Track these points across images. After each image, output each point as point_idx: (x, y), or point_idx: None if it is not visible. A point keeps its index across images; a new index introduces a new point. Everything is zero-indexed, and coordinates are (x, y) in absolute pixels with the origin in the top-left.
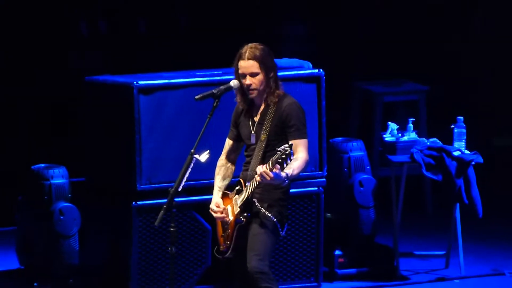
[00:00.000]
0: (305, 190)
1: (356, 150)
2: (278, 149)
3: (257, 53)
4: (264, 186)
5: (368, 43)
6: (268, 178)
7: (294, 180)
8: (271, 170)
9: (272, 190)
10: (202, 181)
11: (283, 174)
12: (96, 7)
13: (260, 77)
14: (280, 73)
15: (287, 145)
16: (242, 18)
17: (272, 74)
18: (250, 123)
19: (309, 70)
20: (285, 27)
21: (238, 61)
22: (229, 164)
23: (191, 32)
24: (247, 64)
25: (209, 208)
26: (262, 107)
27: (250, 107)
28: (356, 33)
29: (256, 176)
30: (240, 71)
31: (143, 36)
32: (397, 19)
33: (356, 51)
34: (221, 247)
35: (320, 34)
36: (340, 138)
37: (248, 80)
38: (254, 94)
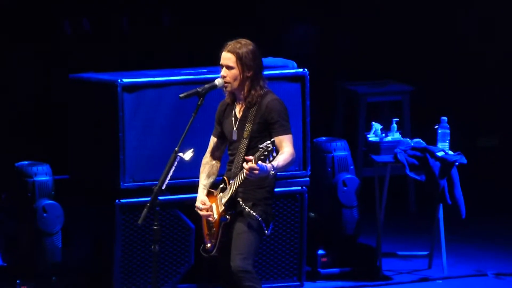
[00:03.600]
0: (288, 189)
1: (340, 149)
2: (260, 146)
3: (239, 49)
4: (248, 185)
5: (353, 43)
6: (256, 172)
7: (278, 179)
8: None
9: (257, 189)
10: (186, 180)
11: (268, 166)
12: (80, 5)
13: (234, 72)
14: (264, 72)
15: (269, 142)
16: (226, 15)
17: (250, 73)
18: (233, 119)
19: (293, 69)
20: (271, 27)
21: (222, 51)
22: (214, 162)
23: (175, 30)
24: (224, 56)
25: (193, 206)
26: (244, 104)
27: (234, 104)
28: (341, 33)
29: (244, 169)
30: (220, 62)
31: (128, 34)
32: (382, 18)
33: (341, 52)
34: (207, 245)
35: (305, 34)
36: (324, 138)
37: (223, 72)
38: (227, 88)
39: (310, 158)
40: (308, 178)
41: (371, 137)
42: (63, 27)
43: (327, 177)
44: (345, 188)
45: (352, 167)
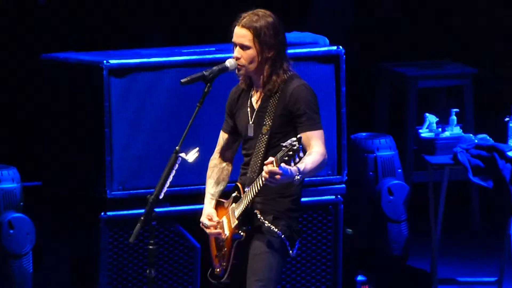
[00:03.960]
0: (319, 199)
1: (385, 148)
2: (284, 144)
3: (257, 22)
4: (268, 194)
5: (401, 15)
6: (278, 178)
7: (306, 186)
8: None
9: (279, 198)
10: (189, 187)
11: (293, 170)
12: None
13: (251, 52)
14: (288, 51)
15: (294, 139)
16: None
17: (271, 53)
18: (249, 110)
19: (325, 47)
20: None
21: (234, 26)
22: (224, 164)
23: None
24: (238, 32)
25: (199, 221)
26: (263, 92)
27: (250, 90)
28: (386, 2)
29: (264, 173)
30: (233, 39)
31: (116, 3)
32: None
33: (385, 25)
34: (216, 269)
35: (341, 4)
36: (364, 134)
37: (236, 52)
38: (241, 71)
39: (347, 159)
40: (344, 185)
41: (424, 133)
42: None
43: (368, 183)
44: (391, 197)
45: (399, 170)
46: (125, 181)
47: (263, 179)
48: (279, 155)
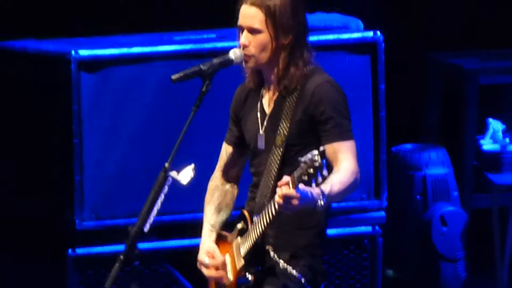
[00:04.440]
0: (351, 231)
1: (436, 164)
2: (302, 159)
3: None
4: (284, 225)
5: None
6: (295, 203)
7: (333, 214)
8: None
9: (297, 230)
10: (183, 215)
11: (315, 192)
12: None
13: (262, 37)
14: (309, 38)
15: (316, 152)
16: None
17: (288, 39)
18: (259, 115)
19: (359, 32)
20: None
21: (240, 5)
22: (227, 186)
23: None
24: (247, 13)
25: (194, 259)
26: (277, 90)
27: (260, 90)
28: None
29: (277, 197)
30: (238, 22)
31: None
32: None
33: (436, 4)
34: None
35: None
36: (409, 145)
37: (243, 38)
38: (250, 63)
39: (387, 179)
40: (383, 213)
41: (487, 144)
42: None
43: (416, 210)
44: (444, 229)
45: (456, 193)
46: (99, 208)
47: (276, 205)
48: (296, 173)
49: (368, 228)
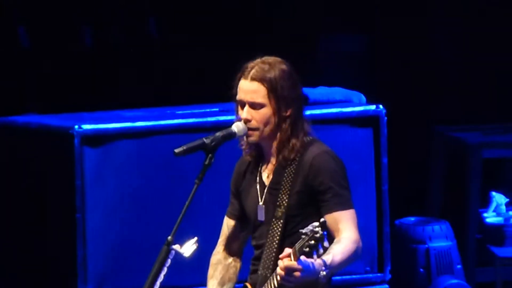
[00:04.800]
0: None
1: (440, 237)
2: (303, 231)
3: (270, 73)
4: None
5: (456, 66)
6: (297, 275)
7: (337, 286)
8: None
9: None
10: None
11: (317, 264)
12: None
13: (265, 112)
14: (312, 111)
15: (316, 224)
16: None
17: (290, 111)
18: (258, 188)
19: (361, 106)
20: (326, 39)
21: (239, 80)
22: (230, 260)
23: (167, 45)
24: (248, 88)
25: None
26: (276, 161)
27: (259, 163)
28: (437, 49)
29: (278, 270)
30: (238, 96)
31: (89, 52)
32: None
33: (440, 77)
34: None
35: (380, 51)
36: (412, 219)
37: (246, 113)
38: (253, 138)
39: (390, 252)
40: (387, 286)
41: (490, 217)
42: None
43: (419, 283)
44: None
45: (459, 266)
46: (103, 283)
47: (278, 277)
48: (297, 245)
49: None
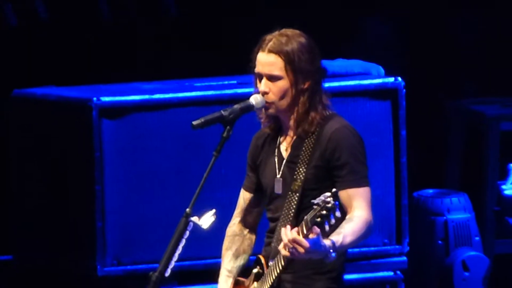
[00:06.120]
0: (372, 276)
1: (458, 210)
2: (315, 201)
3: (287, 45)
4: (300, 269)
5: (477, 42)
6: (302, 251)
7: (352, 259)
8: (305, 236)
9: (314, 275)
10: (203, 261)
11: (326, 243)
12: None
13: (282, 84)
14: (330, 84)
15: (328, 193)
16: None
17: (308, 84)
18: (276, 160)
19: (380, 78)
20: (350, 16)
21: (257, 53)
22: (245, 232)
23: (186, 21)
24: (265, 60)
25: None
26: (295, 134)
27: (278, 136)
28: (459, 25)
29: (283, 244)
30: (256, 69)
31: (110, 25)
32: None
33: (458, 52)
34: None
35: (401, 26)
36: (430, 191)
37: (263, 86)
38: (270, 110)
39: (408, 224)
40: (405, 258)
41: (509, 189)
42: (5, 15)
43: (437, 255)
44: (466, 274)
45: (477, 238)
46: (121, 254)
47: (284, 252)
48: (309, 216)
49: (390, 273)
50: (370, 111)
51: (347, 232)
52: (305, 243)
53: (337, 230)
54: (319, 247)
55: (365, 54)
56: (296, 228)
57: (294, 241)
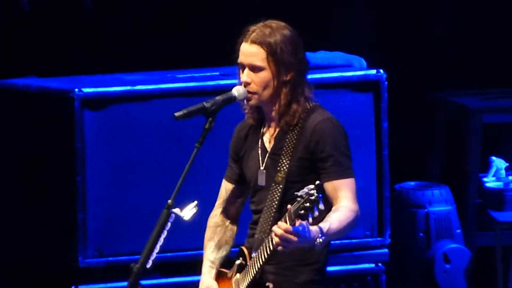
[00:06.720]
0: (354, 268)
1: (439, 202)
2: (298, 194)
3: (270, 37)
4: (283, 261)
5: (459, 34)
6: (295, 239)
7: (334, 250)
8: (291, 225)
9: (297, 267)
10: (185, 252)
11: (313, 229)
12: None
13: (264, 75)
14: (312, 76)
15: (311, 186)
16: None
17: (290, 75)
18: (260, 152)
19: (362, 70)
20: (332, 8)
21: (241, 43)
22: (227, 223)
23: (172, 12)
24: (248, 50)
25: None
26: (278, 126)
27: (261, 127)
28: (439, 16)
29: (273, 236)
30: (239, 59)
31: (92, 15)
32: None
33: (439, 45)
34: None
35: (383, 18)
36: (412, 183)
37: (245, 76)
38: (252, 101)
39: (390, 216)
40: (386, 250)
41: (490, 182)
42: None
43: (418, 247)
44: (447, 266)
45: (458, 231)
46: (103, 246)
47: (273, 242)
48: (292, 208)
49: (371, 265)
50: (352, 103)
51: (334, 220)
52: (294, 232)
53: (324, 219)
54: (307, 235)
55: (347, 46)
56: (282, 220)
57: (286, 231)
